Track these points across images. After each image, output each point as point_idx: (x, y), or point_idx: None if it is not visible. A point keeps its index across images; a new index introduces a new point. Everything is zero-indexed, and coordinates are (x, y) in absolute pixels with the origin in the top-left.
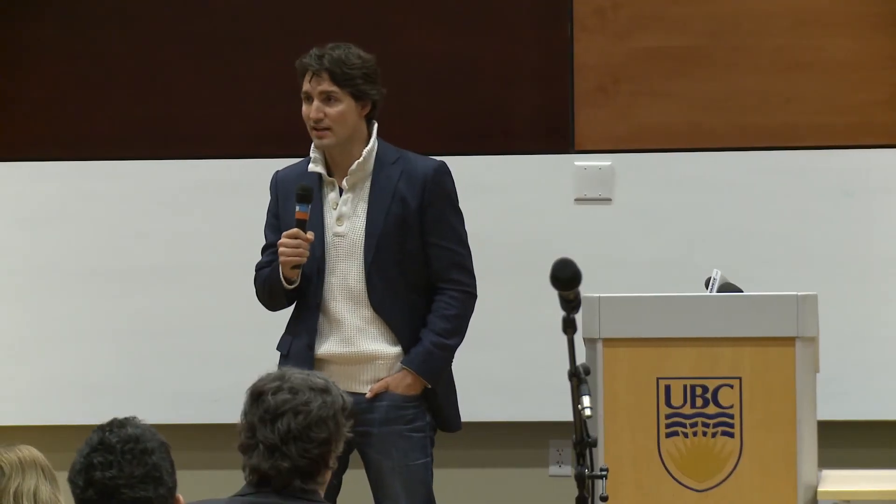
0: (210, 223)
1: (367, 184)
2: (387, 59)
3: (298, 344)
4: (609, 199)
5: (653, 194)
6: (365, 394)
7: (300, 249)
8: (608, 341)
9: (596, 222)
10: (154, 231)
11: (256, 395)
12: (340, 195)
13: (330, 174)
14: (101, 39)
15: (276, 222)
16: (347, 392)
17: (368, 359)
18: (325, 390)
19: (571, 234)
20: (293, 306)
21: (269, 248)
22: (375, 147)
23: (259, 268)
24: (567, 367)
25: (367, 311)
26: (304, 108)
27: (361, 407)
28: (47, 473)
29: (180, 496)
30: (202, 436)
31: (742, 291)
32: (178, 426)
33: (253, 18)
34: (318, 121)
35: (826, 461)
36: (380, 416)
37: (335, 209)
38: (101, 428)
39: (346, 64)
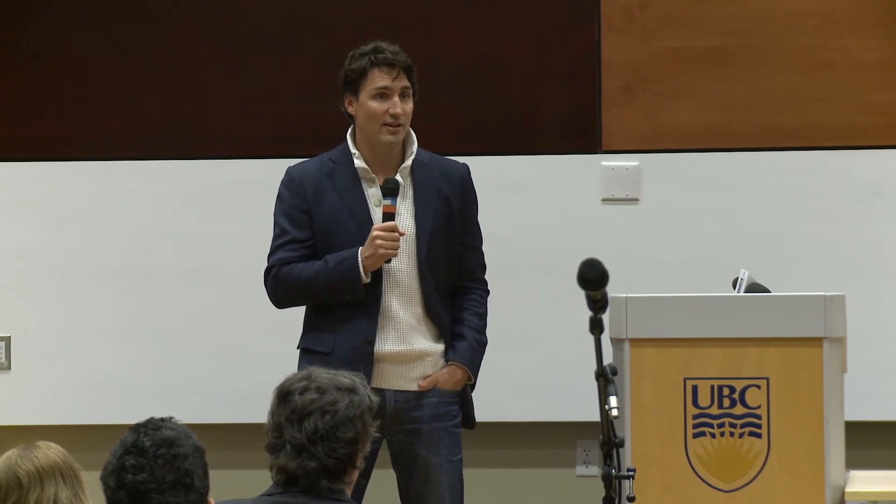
0: (237, 223)
1: (409, 182)
2: (415, 59)
3: (350, 341)
4: (636, 200)
5: (680, 194)
6: (413, 391)
7: (397, 242)
8: (635, 341)
9: (623, 222)
10: (181, 231)
11: (283, 395)
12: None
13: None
14: (129, 39)
15: (306, 218)
16: (397, 390)
17: (420, 356)
18: (351, 390)
19: (598, 235)
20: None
21: (297, 243)
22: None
23: (284, 262)
24: (594, 367)
25: (419, 309)
26: (379, 104)
27: (410, 404)
28: (67, 476)
29: (212, 500)
30: (227, 436)
31: (769, 292)
32: (203, 426)
33: (281, 18)
34: (398, 116)
35: (854, 462)
36: (429, 412)
37: (378, 206)
38: (136, 429)
39: (409, 61)
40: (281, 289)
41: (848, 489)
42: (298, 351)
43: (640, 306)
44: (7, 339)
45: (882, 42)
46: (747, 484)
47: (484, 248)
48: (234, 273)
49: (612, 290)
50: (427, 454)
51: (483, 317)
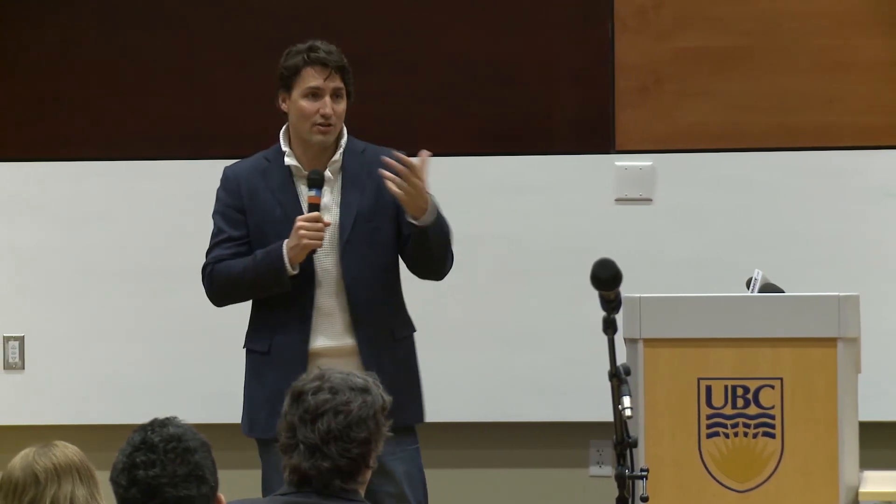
0: None
1: (339, 174)
2: (428, 59)
3: (286, 339)
4: (650, 200)
5: (694, 194)
6: None
7: (321, 233)
8: (649, 341)
9: (637, 222)
10: (195, 231)
11: (297, 395)
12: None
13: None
14: (140, 40)
15: (240, 216)
16: None
17: (354, 351)
18: (365, 390)
19: (612, 235)
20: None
21: (231, 241)
22: (347, 141)
23: (219, 260)
24: (607, 367)
25: (346, 299)
26: (310, 103)
27: None
28: (84, 475)
29: (221, 496)
30: (241, 435)
31: (783, 292)
32: (214, 425)
33: (293, 19)
34: (328, 117)
35: (868, 462)
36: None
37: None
38: (142, 428)
39: (345, 62)
40: (216, 285)
41: (862, 489)
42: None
43: (654, 306)
44: (20, 339)
45: None
46: (761, 484)
47: (497, 248)
48: None
49: (626, 290)
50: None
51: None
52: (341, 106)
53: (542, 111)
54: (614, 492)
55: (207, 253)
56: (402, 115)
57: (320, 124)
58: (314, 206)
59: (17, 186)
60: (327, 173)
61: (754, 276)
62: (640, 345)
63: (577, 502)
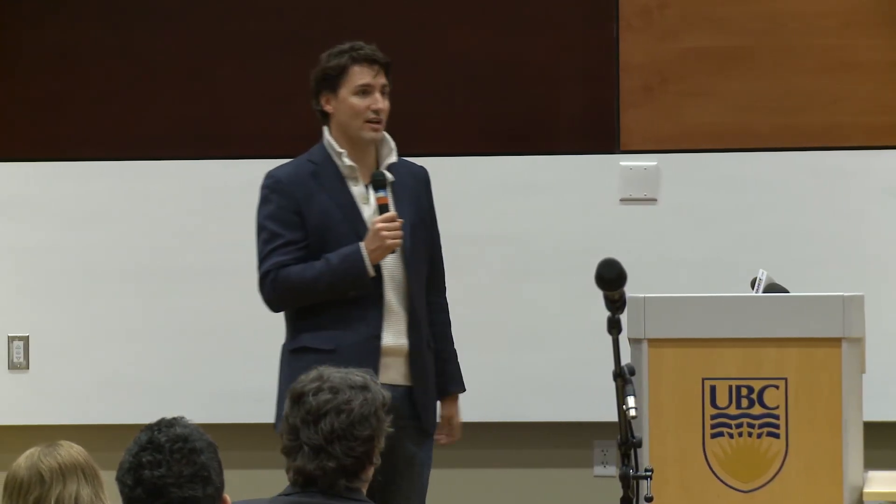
0: (253, 223)
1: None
2: (432, 58)
3: (356, 337)
4: (654, 200)
5: (698, 194)
6: (405, 385)
7: (400, 231)
8: (653, 342)
9: (641, 222)
10: (198, 231)
11: (297, 397)
12: (366, 189)
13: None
14: (146, 40)
15: (297, 219)
16: (393, 384)
17: (405, 353)
18: (364, 387)
19: (616, 235)
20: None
21: (291, 245)
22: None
23: (281, 266)
24: (612, 367)
25: (409, 302)
26: (360, 100)
27: (401, 400)
28: (89, 474)
29: (227, 496)
30: (246, 435)
31: (788, 292)
32: (221, 425)
33: (297, 18)
34: (380, 112)
35: (872, 462)
36: (413, 411)
37: (366, 203)
38: (149, 427)
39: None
40: (281, 292)
41: (866, 490)
42: (287, 351)
43: (659, 306)
44: (25, 339)
45: None
46: (765, 484)
47: (501, 248)
48: (248, 273)
49: (630, 290)
50: (415, 450)
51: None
52: (387, 103)
53: (547, 111)
54: (618, 492)
55: (263, 259)
56: (406, 115)
57: (372, 120)
58: (384, 207)
59: (19, 186)
60: (387, 174)
61: (759, 276)
62: (645, 345)
63: (580, 502)
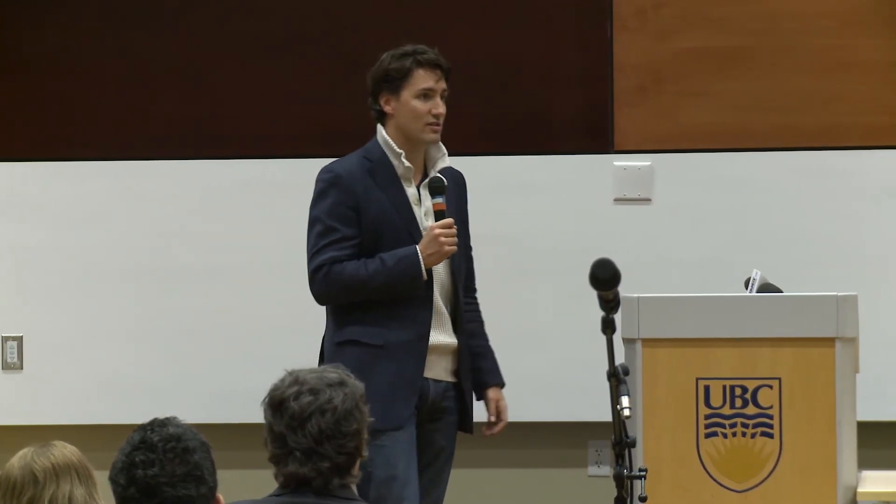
0: (250, 223)
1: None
2: None
3: (405, 334)
4: (648, 200)
5: (692, 194)
6: (447, 381)
7: (456, 238)
8: (647, 342)
9: (635, 222)
10: (194, 231)
11: (277, 404)
12: (418, 191)
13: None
14: (145, 40)
15: (354, 215)
16: (436, 380)
17: (454, 349)
18: (342, 383)
19: (611, 235)
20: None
21: (347, 241)
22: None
23: (335, 261)
24: (606, 367)
25: (454, 301)
26: (423, 103)
27: (442, 395)
28: (82, 474)
29: (220, 496)
30: (242, 435)
31: (782, 292)
32: (218, 426)
33: (295, 18)
34: (440, 116)
35: (866, 462)
36: (451, 405)
37: (417, 204)
38: (142, 427)
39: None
40: (333, 287)
41: (860, 489)
42: (332, 344)
43: (653, 306)
44: (19, 339)
45: None
46: (759, 484)
47: (495, 248)
48: (246, 273)
49: (624, 290)
50: (445, 444)
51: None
52: (445, 107)
53: (541, 111)
54: (613, 492)
55: (316, 252)
56: None
57: (433, 124)
58: (441, 214)
59: (15, 186)
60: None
61: (753, 276)
62: (639, 345)
63: (575, 502)
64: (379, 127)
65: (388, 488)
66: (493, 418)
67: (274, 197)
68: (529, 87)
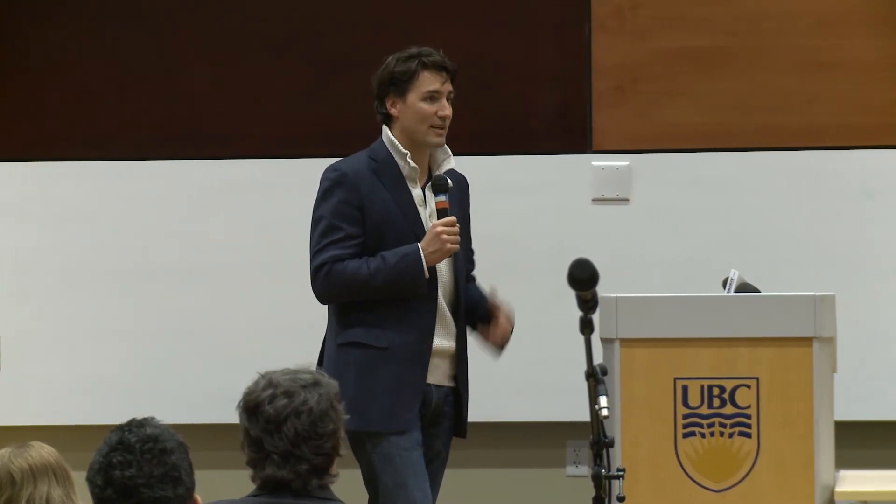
0: (233, 223)
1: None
2: None
3: (409, 337)
4: (626, 200)
5: (670, 194)
6: (448, 386)
7: (458, 237)
8: (625, 341)
9: (613, 223)
10: (176, 231)
11: (252, 408)
12: (423, 192)
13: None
14: (122, 40)
15: (358, 214)
16: (438, 385)
17: (452, 355)
18: (316, 384)
19: (589, 235)
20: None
21: (350, 239)
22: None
23: (337, 259)
24: (584, 367)
25: (456, 303)
26: (429, 105)
27: (444, 399)
28: (60, 475)
29: (198, 497)
30: (220, 436)
31: (759, 292)
32: (196, 426)
33: (277, 19)
34: (446, 119)
35: (843, 462)
36: (450, 410)
37: (422, 205)
38: (119, 428)
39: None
40: (335, 286)
41: (838, 489)
42: (335, 345)
43: (631, 306)
44: None
45: (877, 42)
46: (737, 484)
47: (473, 247)
48: (229, 273)
49: (603, 290)
50: (441, 449)
51: None
52: (451, 109)
53: (519, 111)
54: (591, 492)
55: (318, 251)
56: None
57: (438, 126)
58: (444, 212)
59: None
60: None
61: (730, 276)
62: (617, 345)
63: (553, 502)
64: (384, 127)
65: (397, 496)
66: (501, 324)
67: (263, 197)
68: (508, 88)
